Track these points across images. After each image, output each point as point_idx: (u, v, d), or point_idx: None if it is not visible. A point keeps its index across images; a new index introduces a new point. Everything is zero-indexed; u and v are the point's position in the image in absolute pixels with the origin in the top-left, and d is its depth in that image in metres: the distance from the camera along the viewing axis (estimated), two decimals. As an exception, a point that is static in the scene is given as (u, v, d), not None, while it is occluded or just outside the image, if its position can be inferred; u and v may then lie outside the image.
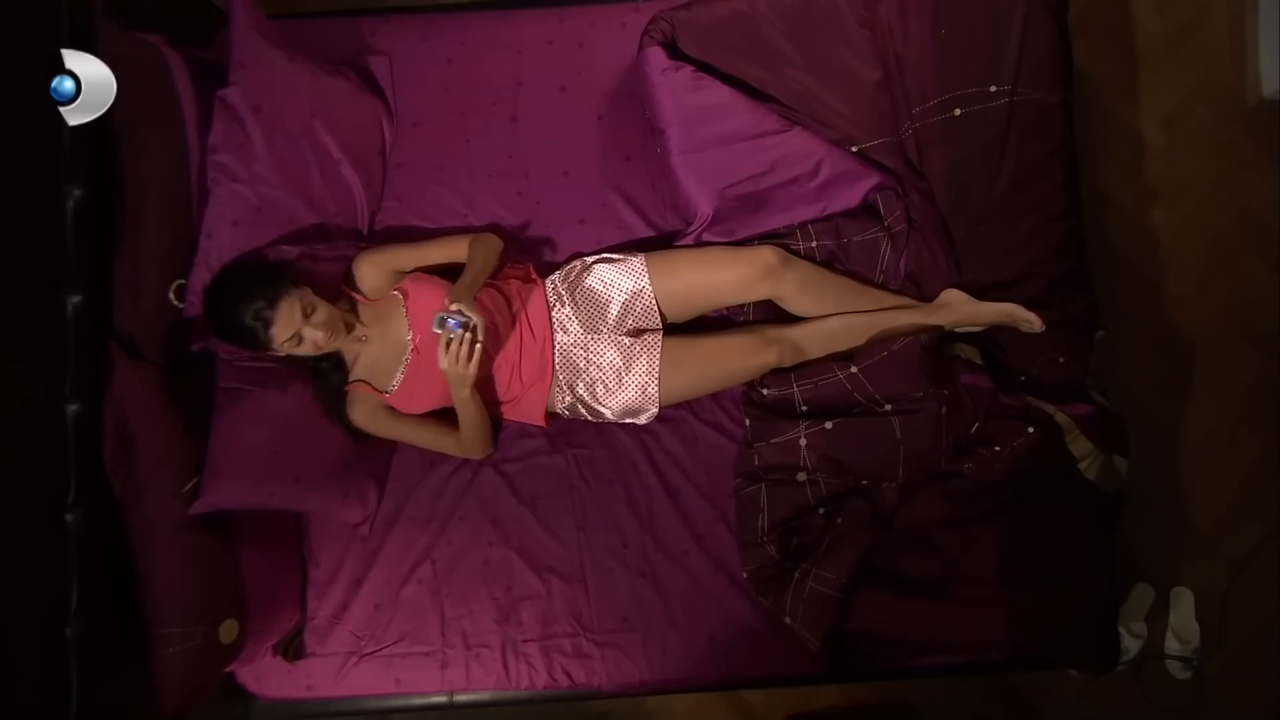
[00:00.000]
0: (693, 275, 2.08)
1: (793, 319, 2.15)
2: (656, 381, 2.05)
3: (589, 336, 2.09)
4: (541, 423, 2.15)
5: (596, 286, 2.08)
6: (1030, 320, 2.08)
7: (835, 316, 2.13)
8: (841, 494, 2.14)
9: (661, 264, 2.08)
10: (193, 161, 2.01)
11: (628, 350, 2.06)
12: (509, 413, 2.16)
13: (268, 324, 1.80)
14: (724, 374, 2.11)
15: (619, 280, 2.06)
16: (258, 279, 1.82)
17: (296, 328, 1.82)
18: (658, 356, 2.05)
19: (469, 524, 2.21)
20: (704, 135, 2.08)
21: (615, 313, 2.08)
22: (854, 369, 2.08)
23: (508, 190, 2.29)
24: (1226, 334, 2.65)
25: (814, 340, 2.11)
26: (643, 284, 2.06)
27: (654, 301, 2.07)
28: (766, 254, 2.04)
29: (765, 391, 2.14)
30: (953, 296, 2.14)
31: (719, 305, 2.17)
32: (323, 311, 1.87)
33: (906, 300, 2.16)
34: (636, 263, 2.07)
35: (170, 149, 1.98)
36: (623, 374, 2.06)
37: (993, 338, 2.20)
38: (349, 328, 1.97)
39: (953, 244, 2.18)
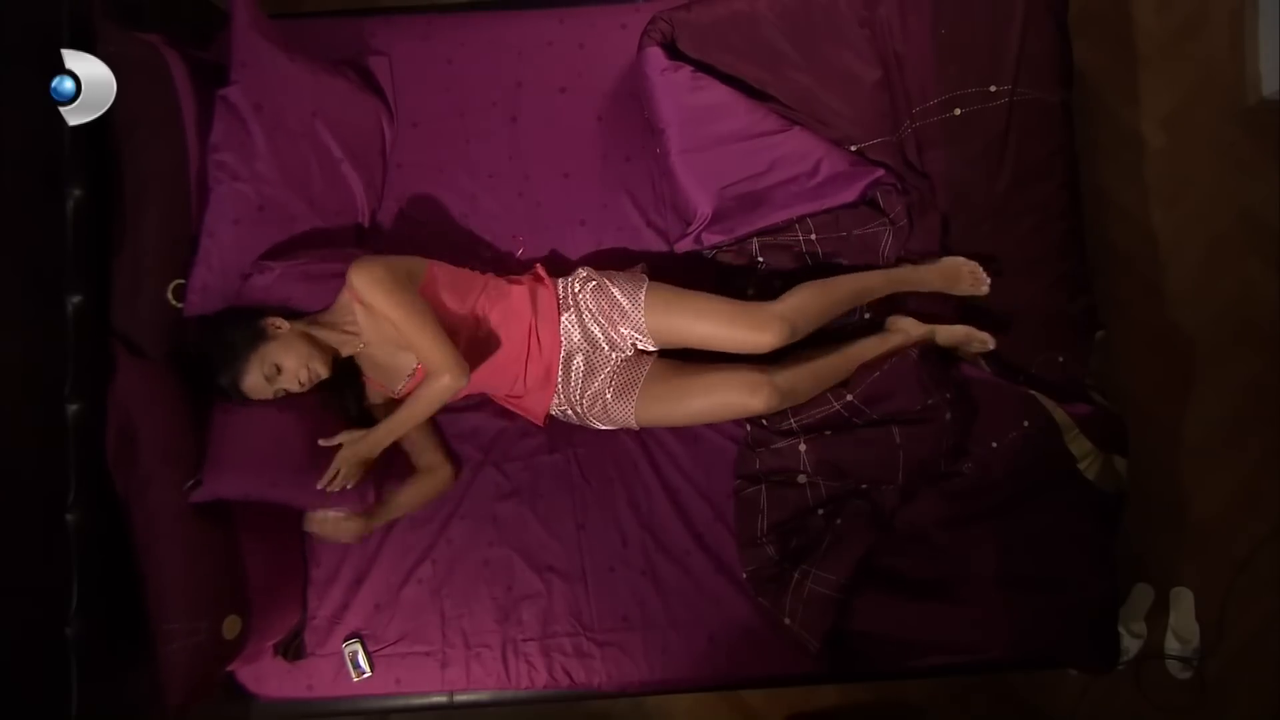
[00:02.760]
0: (688, 326, 2.03)
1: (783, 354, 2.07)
2: (634, 415, 2.03)
3: (583, 354, 2.07)
4: (540, 423, 2.15)
5: (594, 308, 2.05)
6: (984, 340, 2.09)
7: (817, 360, 2.09)
8: (841, 495, 2.14)
9: (660, 306, 2.02)
10: (191, 161, 2.01)
11: (615, 373, 2.05)
12: (511, 405, 2.16)
13: (241, 396, 1.89)
14: (707, 415, 2.07)
15: (617, 303, 2.02)
16: (219, 358, 1.88)
17: (267, 394, 1.90)
18: (637, 390, 2.02)
19: (469, 524, 2.21)
20: (703, 135, 2.08)
21: (606, 336, 2.06)
22: (849, 397, 2.07)
23: (508, 191, 2.30)
24: (1226, 334, 2.65)
25: (804, 381, 2.06)
26: (639, 318, 2.02)
27: (646, 329, 2.04)
28: (771, 329, 1.97)
29: (765, 421, 2.14)
30: (904, 324, 2.13)
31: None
32: (290, 363, 1.88)
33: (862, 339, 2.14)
34: (638, 295, 2.03)
35: (170, 149, 1.98)
36: (606, 399, 2.04)
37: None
38: (339, 347, 1.98)
39: (952, 244, 2.18)
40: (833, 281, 2.10)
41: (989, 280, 2.11)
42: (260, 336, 1.87)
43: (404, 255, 2.00)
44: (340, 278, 1.99)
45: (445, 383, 1.91)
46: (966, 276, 2.12)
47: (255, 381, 1.87)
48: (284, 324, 1.90)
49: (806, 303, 2.04)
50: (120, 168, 1.91)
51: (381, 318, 1.93)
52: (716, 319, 2.01)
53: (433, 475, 2.16)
